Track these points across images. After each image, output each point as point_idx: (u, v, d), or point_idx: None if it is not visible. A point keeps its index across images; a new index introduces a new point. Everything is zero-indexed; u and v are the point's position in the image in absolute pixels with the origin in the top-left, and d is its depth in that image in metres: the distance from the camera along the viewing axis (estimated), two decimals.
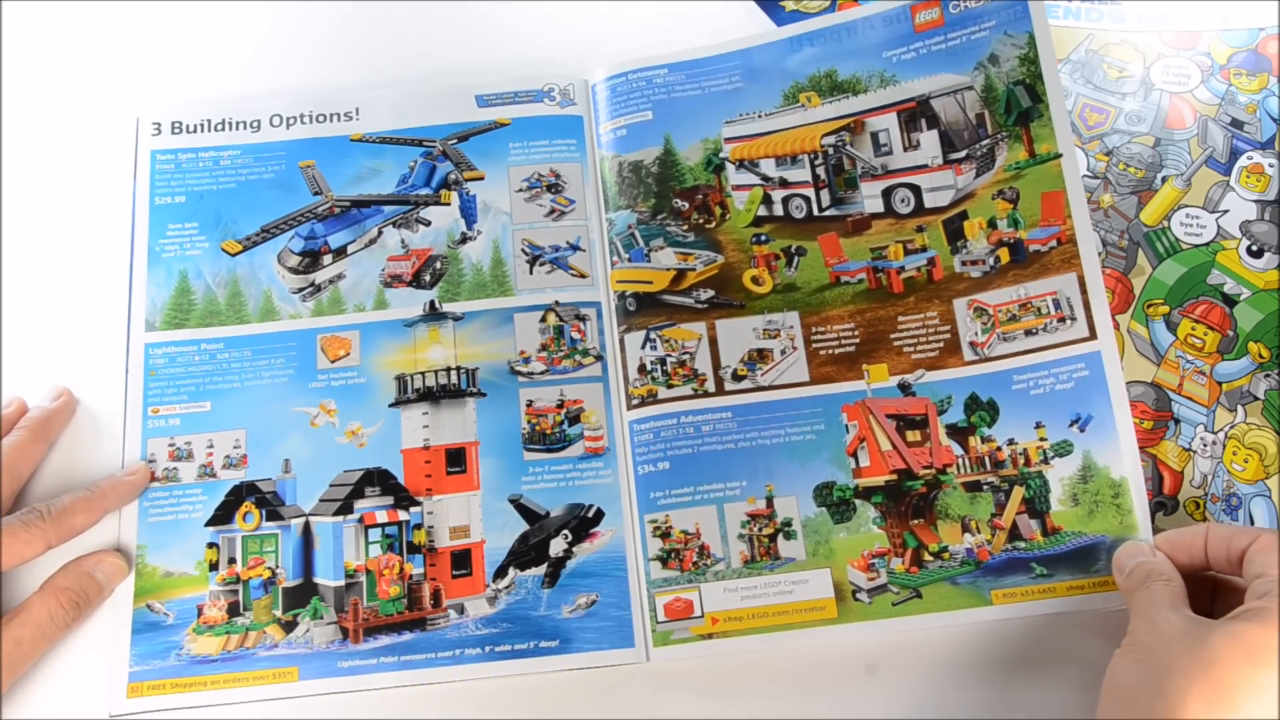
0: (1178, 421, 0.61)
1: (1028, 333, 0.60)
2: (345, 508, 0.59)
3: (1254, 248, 0.64)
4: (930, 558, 0.57)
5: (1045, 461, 0.58)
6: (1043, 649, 0.56)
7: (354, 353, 0.62)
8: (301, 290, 0.64)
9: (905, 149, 0.65)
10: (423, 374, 0.62)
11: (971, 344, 0.61)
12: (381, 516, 0.59)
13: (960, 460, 0.59)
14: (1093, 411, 0.58)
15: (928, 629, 0.56)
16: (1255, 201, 0.65)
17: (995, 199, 0.63)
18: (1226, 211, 0.65)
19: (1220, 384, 0.62)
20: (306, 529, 0.59)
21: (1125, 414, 0.58)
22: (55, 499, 0.55)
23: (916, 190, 0.64)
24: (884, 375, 0.60)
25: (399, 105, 0.68)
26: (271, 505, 0.59)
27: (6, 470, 0.56)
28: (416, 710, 0.55)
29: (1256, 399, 0.61)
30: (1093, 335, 0.59)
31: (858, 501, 0.58)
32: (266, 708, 0.55)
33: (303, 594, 0.58)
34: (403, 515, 0.59)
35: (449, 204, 0.66)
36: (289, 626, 0.57)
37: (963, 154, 0.64)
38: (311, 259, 0.65)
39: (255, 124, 0.68)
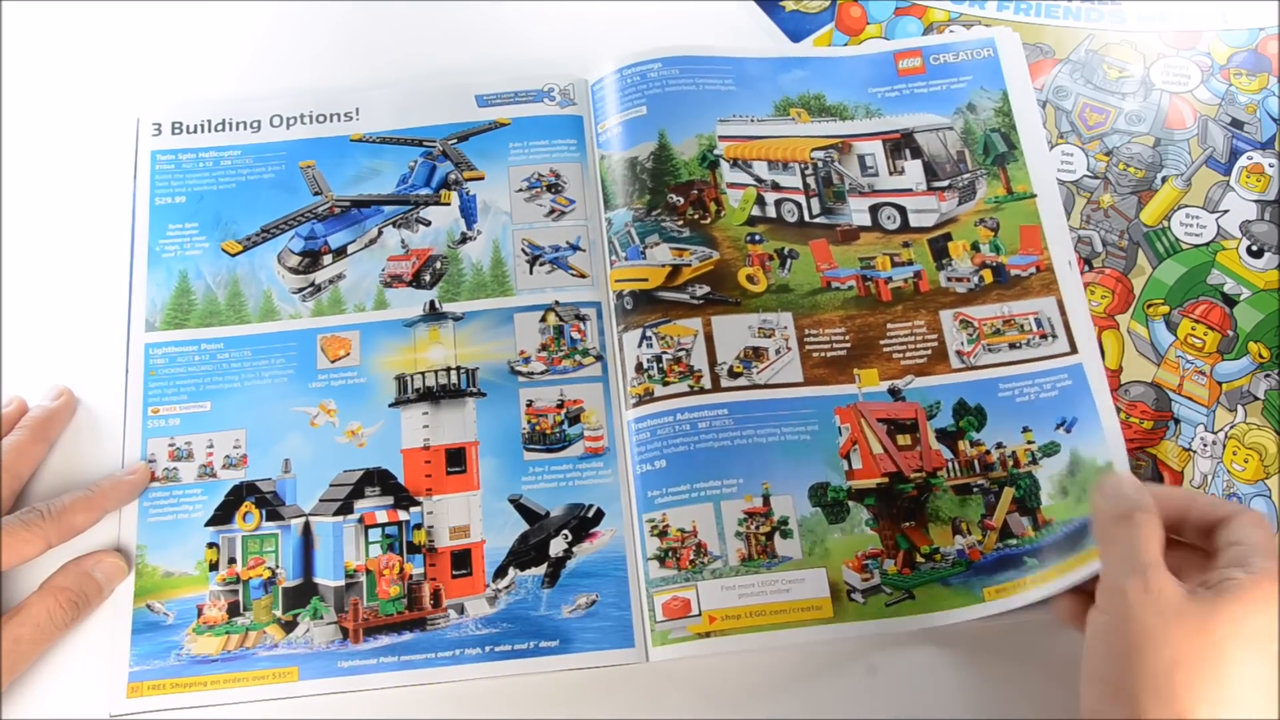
0: (1178, 421, 0.61)
1: (1011, 346, 0.62)
2: (345, 508, 0.59)
3: (1254, 248, 0.64)
4: (922, 559, 0.57)
5: (1034, 462, 0.59)
6: (1040, 644, 0.56)
7: (354, 353, 0.62)
8: (301, 290, 0.64)
9: (890, 174, 0.66)
10: (423, 374, 0.62)
11: (958, 353, 0.62)
12: (381, 516, 0.59)
13: (950, 464, 0.59)
14: (1078, 415, 0.59)
15: (923, 629, 0.56)
16: (1255, 201, 0.65)
17: (977, 225, 0.65)
18: (1226, 211, 0.65)
19: (1220, 384, 0.62)
20: (306, 529, 0.59)
21: (1111, 417, 0.60)
22: (55, 499, 0.55)
23: (902, 210, 0.66)
24: (875, 380, 0.61)
25: (399, 105, 0.68)
26: (271, 505, 0.59)
27: (6, 470, 0.56)
28: (416, 710, 0.55)
29: (1256, 399, 0.61)
30: (1074, 350, 0.61)
31: (851, 503, 0.58)
32: (266, 708, 0.55)
33: (303, 594, 0.58)
34: (403, 515, 0.59)
35: (449, 204, 0.66)
36: (289, 626, 0.57)
37: (945, 184, 0.66)
38: (311, 259, 0.65)
39: (255, 124, 0.68)
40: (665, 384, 0.60)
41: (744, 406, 0.59)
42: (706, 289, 0.62)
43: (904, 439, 0.60)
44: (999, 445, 0.59)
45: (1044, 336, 0.62)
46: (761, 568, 0.56)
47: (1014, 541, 0.57)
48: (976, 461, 0.59)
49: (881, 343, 0.62)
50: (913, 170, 0.66)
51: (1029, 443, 0.59)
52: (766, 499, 0.58)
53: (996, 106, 0.67)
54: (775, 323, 0.62)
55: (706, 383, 0.60)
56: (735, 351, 0.61)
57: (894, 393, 0.61)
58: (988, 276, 0.63)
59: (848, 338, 0.62)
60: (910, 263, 0.64)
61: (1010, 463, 0.59)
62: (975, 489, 0.59)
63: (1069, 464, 0.59)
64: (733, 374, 0.60)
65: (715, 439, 0.59)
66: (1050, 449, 0.59)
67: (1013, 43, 0.69)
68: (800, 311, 0.62)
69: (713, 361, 0.60)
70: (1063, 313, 0.62)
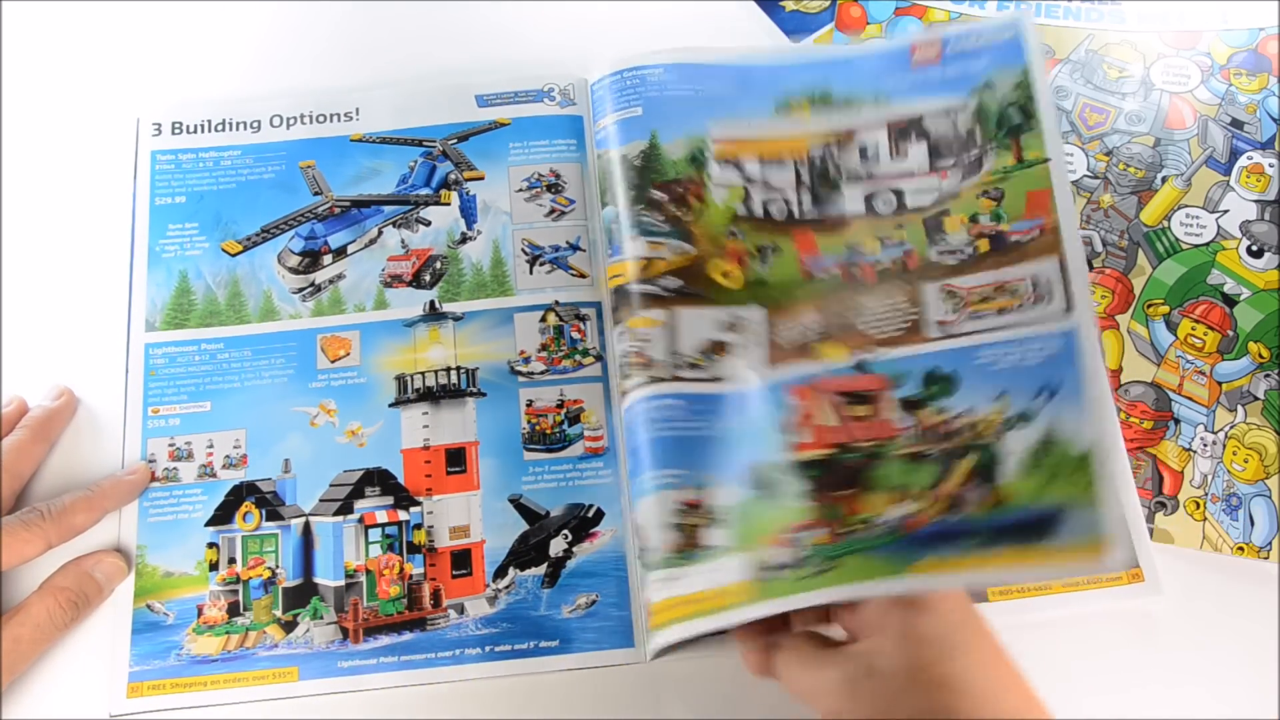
0: (1178, 421, 0.61)
1: (1000, 311, 0.57)
2: (345, 508, 0.59)
3: (1254, 248, 0.64)
4: (852, 528, 0.53)
5: (1002, 430, 0.54)
6: (1036, 644, 0.56)
7: (354, 353, 0.62)
8: (301, 290, 0.64)
9: (892, 158, 0.65)
10: (423, 374, 0.62)
11: (938, 322, 0.58)
12: (381, 516, 0.59)
13: (910, 430, 0.55)
14: (1061, 384, 0.54)
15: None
16: (1255, 201, 0.65)
17: (980, 198, 0.62)
18: (1226, 211, 0.65)
19: (1220, 384, 0.62)
20: (306, 529, 0.59)
21: (1101, 386, 0.54)
22: (55, 499, 0.55)
23: (899, 193, 0.64)
24: (841, 355, 0.58)
25: (399, 105, 0.68)
26: (271, 505, 0.59)
27: (7, 470, 0.56)
28: (416, 710, 0.55)
29: (1256, 399, 0.61)
30: (1070, 309, 0.55)
31: (791, 479, 0.55)
32: (266, 708, 0.55)
33: (303, 594, 0.58)
34: (403, 515, 0.59)
35: (449, 204, 0.66)
36: (289, 626, 0.57)
37: (950, 162, 0.64)
38: (311, 259, 0.65)
39: (255, 124, 0.68)
40: (626, 377, 0.59)
41: (699, 399, 0.57)
42: (679, 283, 0.61)
43: (862, 409, 0.56)
44: (966, 412, 0.55)
45: (1039, 300, 0.57)
46: (693, 559, 0.54)
47: (958, 517, 0.52)
48: (940, 428, 0.55)
49: (856, 320, 0.59)
50: (916, 153, 0.64)
51: (999, 411, 0.54)
52: (704, 489, 0.55)
53: (1016, 81, 0.62)
54: (743, 317, 0.61)
55: (663, 373, 0.58)
56: (696, 345, 0.59)
57: (860, 366, 0.57)
58: (983, 246, 0.59)
59: (820, 322, 0.59)
60: (901, 242, 0.61)
61: (974, 431, 0.54)
62: (932, 456, 0.54)
63: (1042, 438, 0.53)
64: (692, 366, 0.59)
65: (669, 429, 0.57)
66: (1022, 419, 0.53)
67: (1031, 27, 0.66)
68: (775, 306, 0.60)
69: (671, 354, 0.59)
70: (1063, 272, 0.56)
